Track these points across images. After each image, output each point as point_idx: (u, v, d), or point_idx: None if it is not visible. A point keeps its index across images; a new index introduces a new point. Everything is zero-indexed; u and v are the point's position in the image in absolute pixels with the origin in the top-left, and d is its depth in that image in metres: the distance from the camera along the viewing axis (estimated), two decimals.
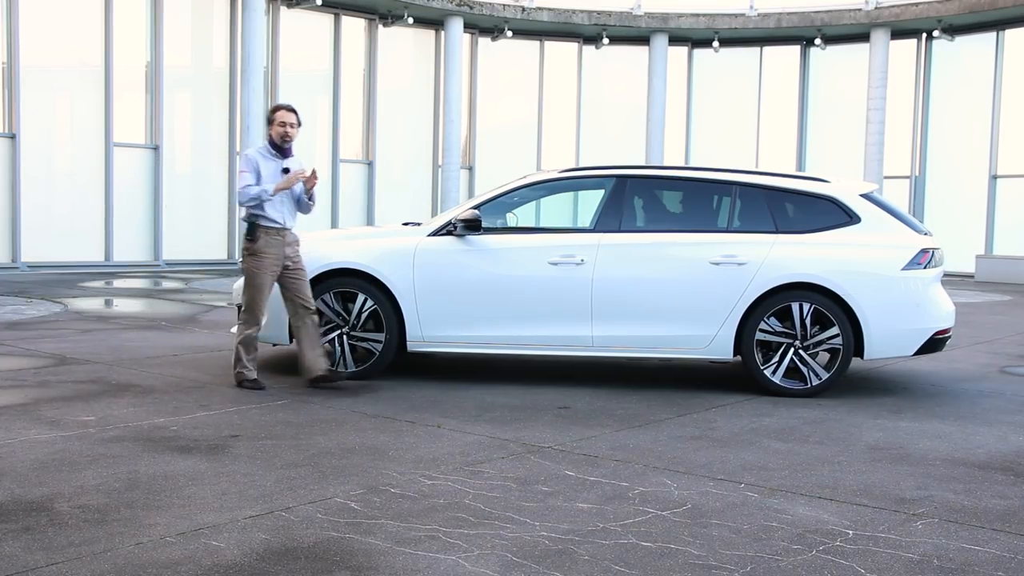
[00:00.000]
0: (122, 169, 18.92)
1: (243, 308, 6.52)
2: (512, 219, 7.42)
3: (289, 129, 6.50)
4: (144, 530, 3.62)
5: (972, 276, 20.91)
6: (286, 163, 6.55)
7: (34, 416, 5.50)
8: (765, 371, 6.71)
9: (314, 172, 6.54)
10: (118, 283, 15.70)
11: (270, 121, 6.56)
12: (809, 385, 6.68)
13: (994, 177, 22.15)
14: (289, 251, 6.52)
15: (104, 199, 18.69)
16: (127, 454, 4.71)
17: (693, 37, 24.48)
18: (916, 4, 21.84)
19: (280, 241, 6.46)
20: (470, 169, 24.34)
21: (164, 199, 19.45)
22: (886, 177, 22.44)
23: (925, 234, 7.03)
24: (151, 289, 14.82)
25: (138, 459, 4.62)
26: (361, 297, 6.89)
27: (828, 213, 6.89)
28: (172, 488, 4.16)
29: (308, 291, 6.57)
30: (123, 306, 12.33)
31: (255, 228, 6.41)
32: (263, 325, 6.59)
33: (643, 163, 23.03)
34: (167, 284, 15.58)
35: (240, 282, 7.38)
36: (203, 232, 20.31)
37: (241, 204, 6.46)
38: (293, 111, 6.56)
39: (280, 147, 6.53)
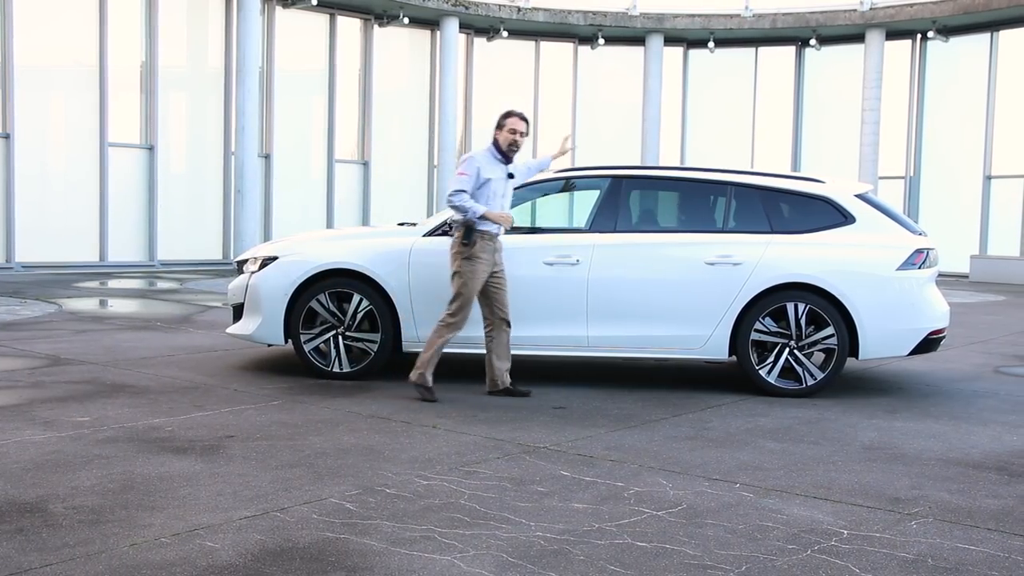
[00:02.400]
0: (117, 169, 18.90)
1: (452, 312, 6.29)
2: None
3: (518, 137, 6.43)
4: (139, 531, 3.62)
5: (966, 276, 20.96)
6: (511, 168, 6.49)
7: (28, 417, 5.49)
8: (760, 371, 6.71)
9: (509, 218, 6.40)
10: (113, 283, 15.68)
11: (500, 126, 6.45)
12: (804, 385, 6.69)
13: (988, 178, 22.20)
14: (497, 257, 6.42)
15: (99, 199, 18.67)
16: (122, 455, 4.70)
17: (689, 37, 24.51)
18: (911, 5, 21.88)
19: (493, 247, 6.35)
20: None
21: (159, 199, 19.43)
22: (881, 177, 22.49)
23: (920, 234, 7.04)
24: (146, 289, 14.79)
25: (133, 460, 4.61)
26: (356, 297, 6.89)
27: (823, 213, 6.90)
28: (167, 489, 4.16)
29: (508, 300, 6.45)
30: (118, 306, 12.32)
31: (472, 232, 6.25)
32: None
33: (639, 163, 23.07)
34: (162, 284, 15.56)
35: (236, 282, 7.38)
36: (198, 232, 20.29)
37: (450, 205, 6.30)
38: (525, 120, 6.49)
39: (506, 153, 6.45)
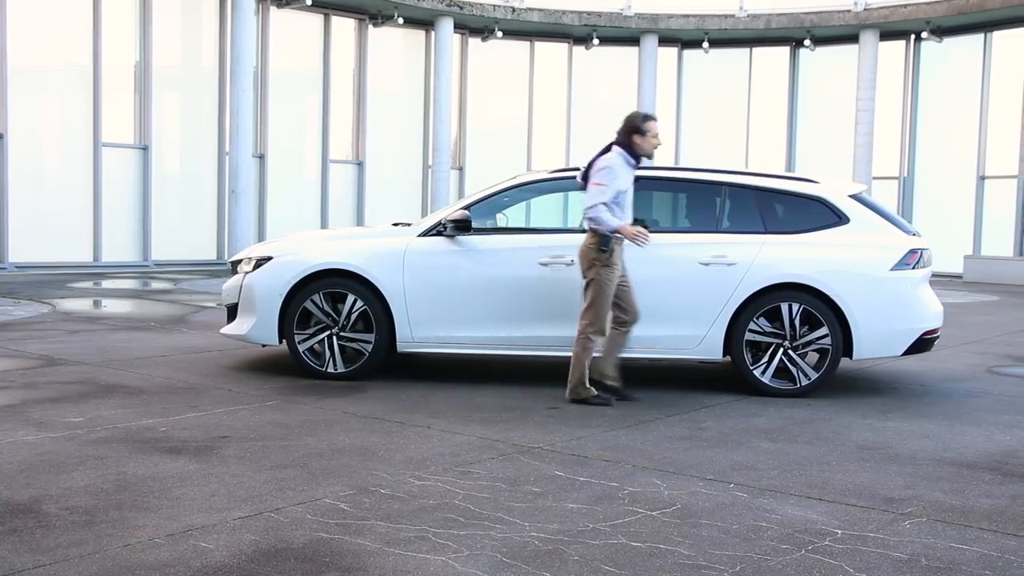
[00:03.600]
0: (111, 169, 18.85)
1: (589, 320, 6.23)
2: (502, 219, 7.42)
3: (660, 143, 6.36)
4: (132, 532, 3.61)
5: (960, 276, 21.00)
6: (637, 172, 6.44)
7: (22, 417, 5.48)
8: (754, 371, 6.72)
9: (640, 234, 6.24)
10: (107, 284, 15.64)
11: (643, 131, 6.27)
12: (798, 385, 6.69)
13: (982, 178, 22.24)
14: (623, 259, 6.42)
15: (93, 199, 18.62)
16: (115, 455, 4.69)
17: (683, 38, 24.53)
18: (905, 6, 21.92)
19: (621, 253, 6.33)
20: (460, 169, 24.34)
21: (153, 199, 19.39)
22: (875, 178, 22.53)
23: (913, 234, 7.06)
24: (140, 290, 14.77)
25: (126, 460, 4.61)
26: (351, 298, 6.89)
27: (817, 214, 6.91)
28: (161, 489, 4.15)
29: (636, 299, 6.41)
30: (112, 307, 12.29)
31: (609, 239, 6.18)
32: None
33: None
34: (156, 285, 15.53)
35: (231, 282, 7.37)
36: (192, 232, 20.25)
37: (589, 218, 6.16)
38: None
39: (638, 158, 6.35)
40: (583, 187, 6.40)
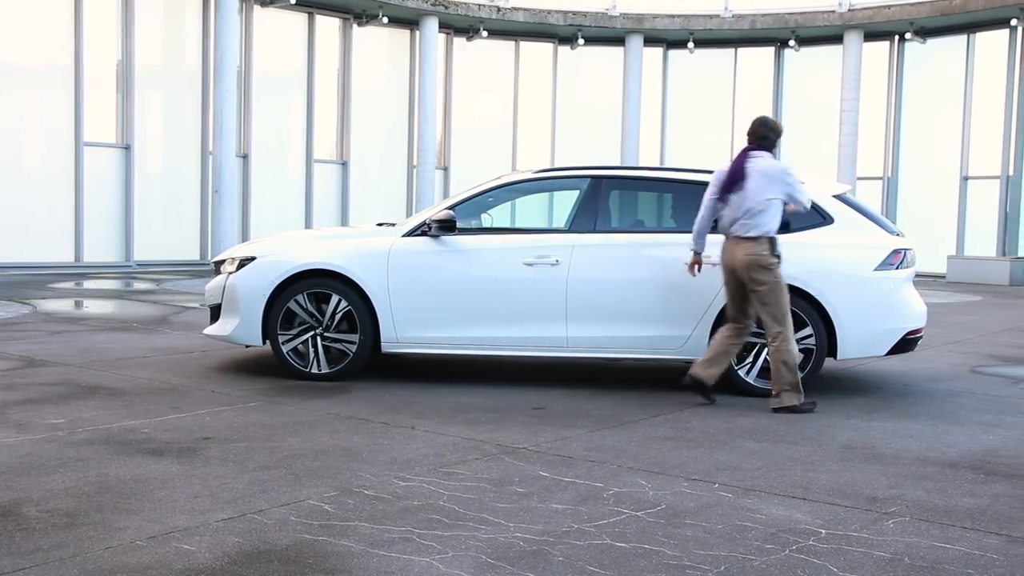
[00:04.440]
0: (93, 169, 18.73)
1: (778, 325, 6.16)
2: (487, 219, 7.41)
3: None
4: (114, 534, 3.58)
5: (943, 277, 21.11)
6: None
7: (1, 419, 5.42)
8: (739, 371, 6.72)
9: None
10: (88, 284, 15.54)
11: (781, 133, 6.46)
12: None
13: (965, 178, 22.38)
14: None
15: (74, 199, 18.49)
16: (97, 457, 4.65)
17: (668, 38, 24.58)
18: (888, 6, 22.03)
19: None
20: (445, 170, 24.31)
21: (136, 199, 19.28)
22: (859, 178, 22.63)
23: (897, 235, 7.09)
24: (122, 290, 14.68)
25: (108, 462, 4.57)
26: (335, 298, 6.86)
27: (801, 213, 6.92)
28: (143, 491, 4.12)
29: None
30: (93, 307, 12.21)
31: (775, 243, 6.22)
32: None
33: (618, 163, 23.10)
34: (138, 285, 15.44)
35: (214, 283, 7.33)
36: (175, 232, 20.14)
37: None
38: None
39: None
40: (723, 198, 6.30)
